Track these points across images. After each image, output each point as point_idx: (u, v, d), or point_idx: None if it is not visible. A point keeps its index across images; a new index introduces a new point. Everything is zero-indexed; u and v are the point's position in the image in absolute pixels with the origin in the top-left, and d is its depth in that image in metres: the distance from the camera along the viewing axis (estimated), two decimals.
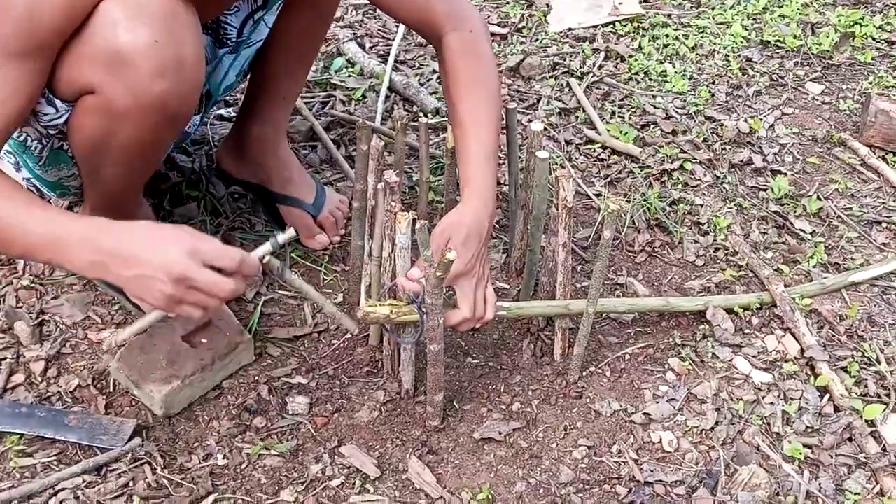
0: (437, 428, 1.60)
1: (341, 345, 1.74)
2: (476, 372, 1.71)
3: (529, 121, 2.36)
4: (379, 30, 2.76)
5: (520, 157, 1.89)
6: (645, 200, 2.06)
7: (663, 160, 2.22)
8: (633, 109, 2.41)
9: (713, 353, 1.74)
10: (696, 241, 2.01)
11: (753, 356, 1.75)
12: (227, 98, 2.38)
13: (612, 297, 1.84)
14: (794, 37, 2.77)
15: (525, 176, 1.76)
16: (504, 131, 1.82)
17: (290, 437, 1.56)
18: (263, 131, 1.94)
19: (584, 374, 1.70)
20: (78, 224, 1.31)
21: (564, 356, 1.74)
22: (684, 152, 2.24)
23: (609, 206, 1.48)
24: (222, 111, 2.31)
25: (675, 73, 2.56)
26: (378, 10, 2.83)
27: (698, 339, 1.77)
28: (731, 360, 1.74)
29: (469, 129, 1.57)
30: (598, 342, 1.77)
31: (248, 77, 1.95)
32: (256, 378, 1.66)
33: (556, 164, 2.19)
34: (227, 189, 2.05)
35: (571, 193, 1.59)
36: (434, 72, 2.56)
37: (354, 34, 2.70)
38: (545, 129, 2.34)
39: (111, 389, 1.61)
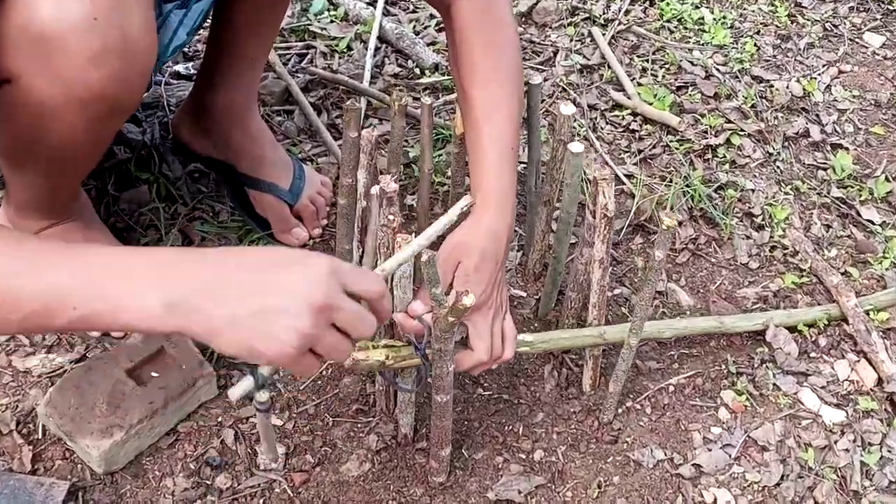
0: (442, 485, 1.35)
1: (324, 373, 1.47)
2: (489, 407, 1.45)
3: (546, 79, 2.05)
4: None
5: (542, 128, 1.60)
6: (687, 186, 1.78)
7: (706, 132, 1.93)
8: (668, 66, 2.11)
9: (775, 384, 1.49)
10: (748, 237, 1.73)
11: (822, 387, 1.49)
12: (186, 49, 2.06)
13: (653, 319, 1.57)
14: None
15: (550, 167, 1.48)
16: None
17: (261, 502, 1.30)
18: (227, 100, 1.64)
19: (620, 410, 1.45)
20: (141, 256, 0.92)
21: (595, 387, 1.48)
22: (730, 122, 1.95)
23: (664, 222, 1.20)
24: (180, 67, 1.99)
25: (714, 20, 2.25)
26: None
27: (756, 364, 1.52)
28: (796, 394, 1.48)
29: (482, 122, 1.28)
30: (635, 368, 1.51)
31: (209, 33, 1.64)
32: (220, 419, 1.39)
33: (579, 134, 1.90)
34: (185, 168, 1.75)
35: (612, 201, 1.31)
36: (432, 17, 2.24)
37: None
38: (564, 89, 2.04)
39: (40, 436, 1.34)
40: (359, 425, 1.41)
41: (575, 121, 1.93)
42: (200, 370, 1.38)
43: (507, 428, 1.43)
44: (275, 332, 0.87)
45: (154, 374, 1.37)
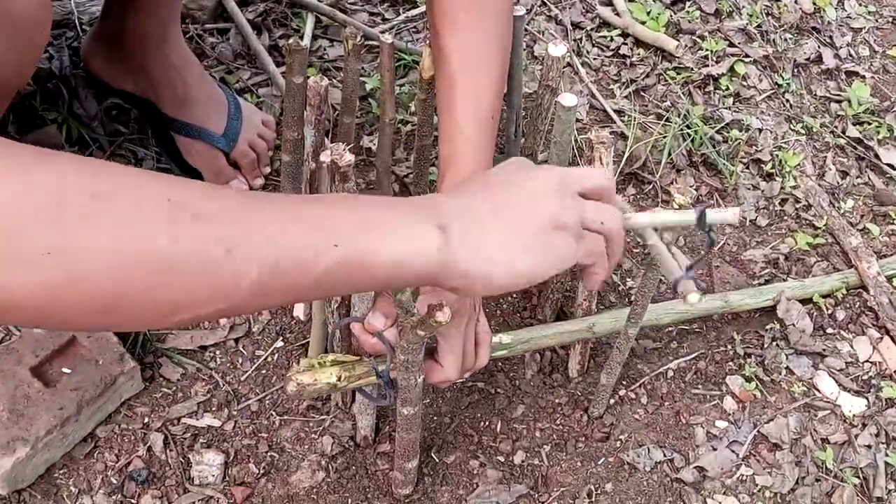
0: (408, 497, 1.19)
1: (269, 359, 1.30)
2: (461, 399, 1.29)
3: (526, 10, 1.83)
4: None
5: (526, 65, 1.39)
6: (687, 126, 1.59)
7: (706, 59, 1.73)
8: None
9: (787, 368, 1.34)
10: (755, 188, 1.56)
11: (840, 370, 1.35)
12: None
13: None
14: None
15: (533, 115, 1.28)
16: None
17: None
18: (143, 25, 1.40)
19: (612, 401, 1.29)
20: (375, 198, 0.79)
21: (583, 372, 1.32)
22: (733, 46, 1.75)
23: (676, 199, 1.02)
24: None
25: None
26: None
27: (766, 343, 1.36)
28: (811, 379, 1.34)
29: (458, 81, 1.08)
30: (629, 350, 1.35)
31: None
32: (146, 420, 1.22)
33: (564, 62, 1.68)
34: (100, 105, 1.52)
35: (611, 168, 1.13)
36: None
37: None
38: (543, 2, 1.82)
39: None
40: (311, 424, 1.24)
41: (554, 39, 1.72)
42: (121, 366, 1.20)
43: (482, 424, 1.27)
44: (552, 245, 0.80)
45: (65, 370, 1.19)
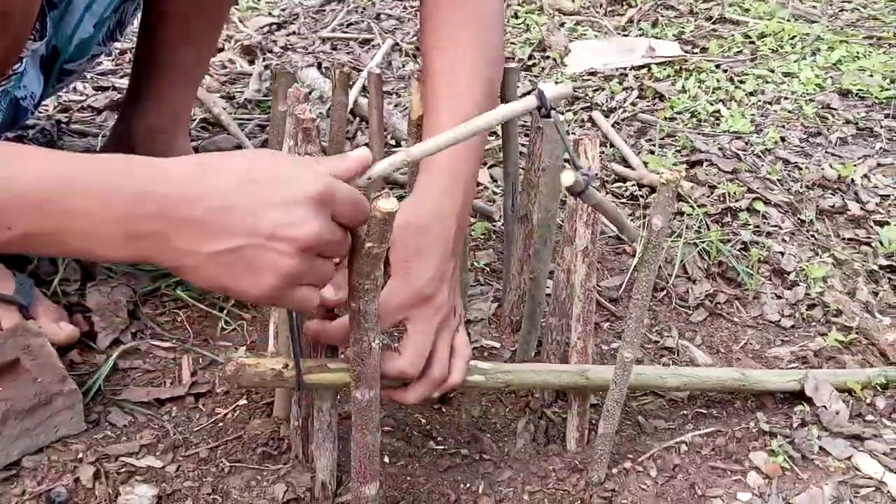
0: None
1: (229, 415, 1.18)
2: (440, 462, 1.14)
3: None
4: (350, 62, 2.32)
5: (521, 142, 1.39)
6: (701, 241, 1.53)
7: (723, 198, 1.70)
8: (679, 148, 1.92)
9: (822, 448, 1.17)
10: (779, 297, 1.46)
11: (885, 454, 1.17)
12: None
13: (656, 365, 1.29)
14: (882, 88, 2.30)
15: (528, 165, 1.25)
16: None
17: None
18: (151, 123, 1.46)
19: (616, 471, 1.13)
20: (103, 164, 0.77)
21: (583, 444, 1.17)
22: (753, 191, 1.73)
23: (663, 175, 0.96)
24: None
25: (731, 115, 2.09)
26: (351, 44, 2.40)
27: (795, 425, 1.21)
28: (850, 458, 1.16)
29: (441, 89, 1.10)
30: (637, 427, 1.21)
31: (135, 46, 1.49)
32: (81, 455, 1.09)
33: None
34: None
35: (597, 163, 1.08)
36: None
37: (317, 62, 2.25)
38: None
39: None
40: (264, 472, 1.10)
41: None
42: (60, 385, 1.10)
43: (462, 486, 1.11)
44: (251, 272, 0.78)
45: None
